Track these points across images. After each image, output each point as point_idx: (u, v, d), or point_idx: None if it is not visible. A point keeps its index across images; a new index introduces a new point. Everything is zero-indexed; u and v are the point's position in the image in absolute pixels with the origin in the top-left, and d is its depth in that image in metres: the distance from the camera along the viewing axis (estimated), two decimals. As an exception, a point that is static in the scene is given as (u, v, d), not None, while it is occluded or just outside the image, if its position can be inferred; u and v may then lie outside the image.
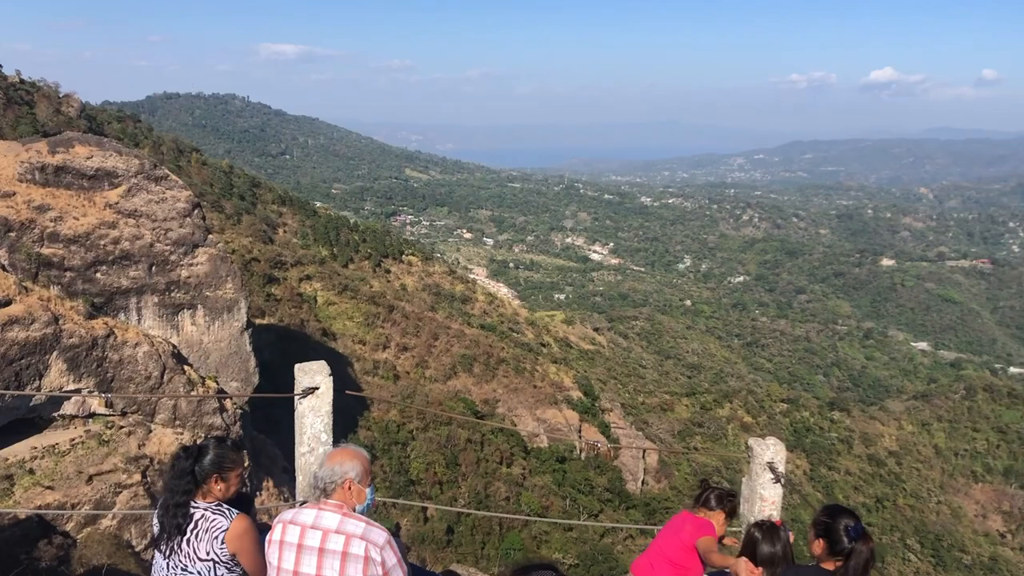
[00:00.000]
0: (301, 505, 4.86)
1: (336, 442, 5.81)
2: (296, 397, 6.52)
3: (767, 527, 5.59)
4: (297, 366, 6.67)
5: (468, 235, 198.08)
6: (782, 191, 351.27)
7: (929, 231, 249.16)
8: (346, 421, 52.55)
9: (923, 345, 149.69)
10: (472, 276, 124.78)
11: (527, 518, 48.59)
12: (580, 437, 59.33)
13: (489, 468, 55.63)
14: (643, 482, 60.79)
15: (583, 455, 58.62)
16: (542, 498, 54.81)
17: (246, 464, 38.66)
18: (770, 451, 7.46)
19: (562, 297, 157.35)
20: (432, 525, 48.38)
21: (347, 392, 7.78)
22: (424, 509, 48.02)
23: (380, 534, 4.54)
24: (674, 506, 54.46)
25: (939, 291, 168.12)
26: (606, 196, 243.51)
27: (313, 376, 6.55)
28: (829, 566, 5.19)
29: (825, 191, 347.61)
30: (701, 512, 6.48)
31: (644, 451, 58.02)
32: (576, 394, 68.44)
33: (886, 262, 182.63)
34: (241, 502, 5.11)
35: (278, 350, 55.80)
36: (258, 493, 42.44)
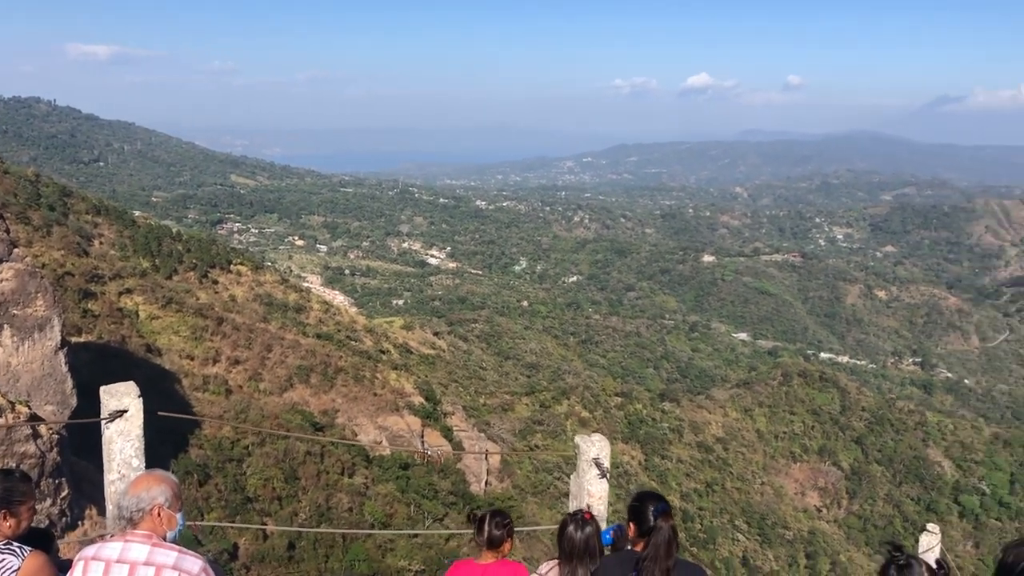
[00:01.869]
0: (106, 538, 4.43)
1: (151, 467, 5.34)
2: (103, 422, 5.97)
3: (578, 517, 5.65)
4: (103, 388, 6.10)
5: (300, 242, 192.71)
6: (610, 192, 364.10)
7: (745, 228, 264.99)
8: (176, 440, 49.81)
9: (743, 335, 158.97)
10: (306, 284, 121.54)
11: (368, 532, 47.77)
12: (423, 444, 59.01)
13: (331, 480, 54.25)
14: (486, 483, 61.17)
15: (424, 461, 58.34)
16: (386, 506, 54.03)
17: (57, 494, 35.85)
18: (595, 447, 7.54)
19: (400, 303, 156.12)
20: (272, 542, 46.63)
21: (160, 413, 7.22)
22: (264, 527, 46.20)
23: (194, 562, 4.17)
24: (517, 504, 55.08)
25: (756, 284, 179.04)
26: (441, 200, 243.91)
27: (121, 398, 6.00)
28: (639, 547, 5.32)
29: (650, 192, 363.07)
30: (490, 555, 6.04)
31: (487, 452, 58.33)
32: (418, 399, 67.99)
33: (707, 258, 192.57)
34: (39, 538, 4.65)
35: (99, 369, 52.12)
36: (80, 523, 39.48)
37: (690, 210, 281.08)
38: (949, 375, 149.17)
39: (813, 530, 65.28)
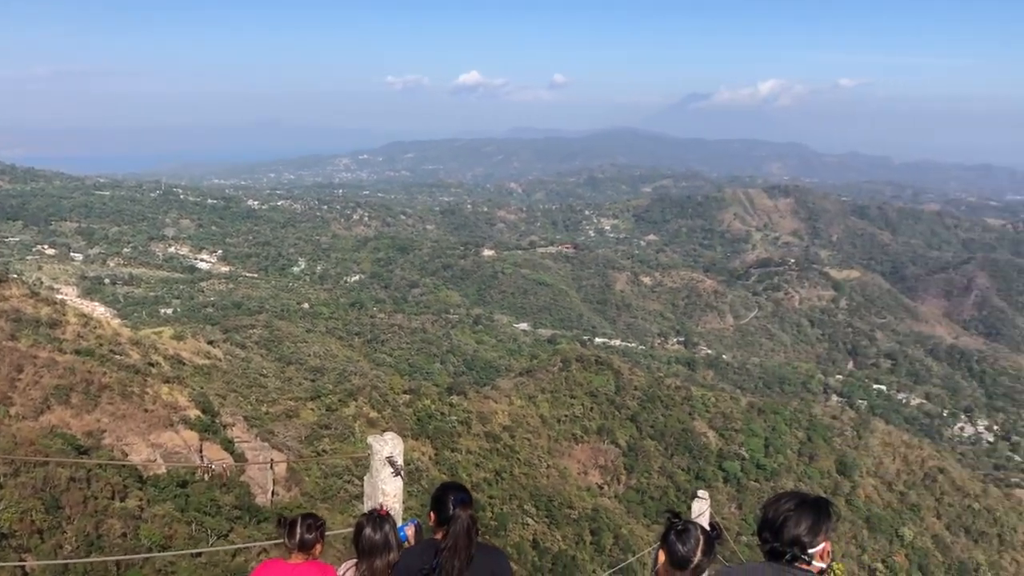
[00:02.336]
0: None
1: None
2: None
3: (373, 516, 5.61)
4: None
5: (51, 251, 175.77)
6: (388, 190, 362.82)
7: (521, 222, 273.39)
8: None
9: (524, 325, 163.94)
10: (60, 296, 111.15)
11: (145, 556, 44.64)
12: (203, 458, 55.90)
13: (100, 505, 49.95)
14: (273, 493, 58.98)
15: (206, 475, 55.32)
16: (164, 527, 50.56)
17: None
18: (388, 446, 7.49)
19: (170, 311, 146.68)
20: (33, 582, 42.38)
21: None
22: (22, 564, 41.88)
23: None
24: (306, 511, 53.46)
25: (533, 276, 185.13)
26: (210, 201, 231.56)
27: None
28: (440, 536, 5.37)
29: (428, 189, 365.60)
30: (300, 557, 6.02)
31: (272, 462, 56.23)
32: (194, 413, 64.19)
33: (487, 252, 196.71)
34: None
35: None
36: None
37: (469, 206, 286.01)
38: (709, 351, 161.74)
39: (597, 507, 68.43)
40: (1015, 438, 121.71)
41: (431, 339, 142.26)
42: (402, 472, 7.49)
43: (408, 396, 79.16)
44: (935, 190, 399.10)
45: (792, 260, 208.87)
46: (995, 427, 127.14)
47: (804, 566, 4.36)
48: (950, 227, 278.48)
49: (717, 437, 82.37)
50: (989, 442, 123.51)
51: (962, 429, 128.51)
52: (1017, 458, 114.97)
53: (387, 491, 7.49)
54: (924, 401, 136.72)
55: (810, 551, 4.34)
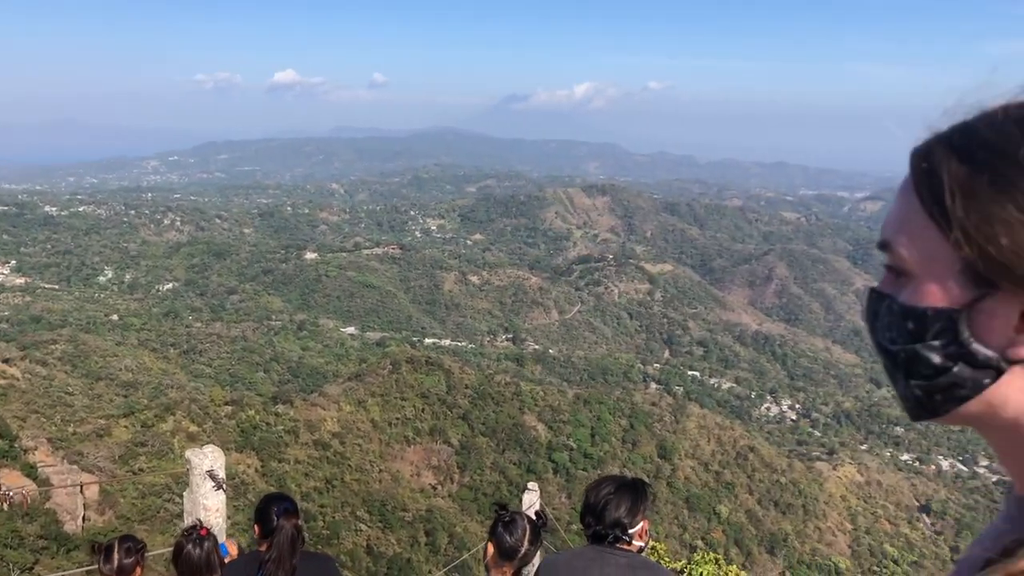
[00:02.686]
0: None
1: None
2: None
3: (193, 535, 5.40)
4: None
5: None
6: (202, 193, 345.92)
7: (344, 223, 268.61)
8: None
9: (351, 329, 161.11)
10: None
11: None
12: (1, 487, 51.31)
13: None
14: (84, 518, 55.00)
15: (4, 506, 50.86)
16: (-43, 568, 46.20)
17: None
18: (208, 459, 7.14)
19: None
20: None
21: None
22: None
23: None
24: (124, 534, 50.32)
25: (359, 278, 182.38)
26: (0, 208, 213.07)
27: None
28: (263, 548, 5.27)
29: (244, 191, 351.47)
30: None
31: (81, 485, 52.42)
32: (-12, 438, 58.93)
33: (310, 255, 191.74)
34: None
35: None
36: None
37: (289, 208, 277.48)
38: (536, 347, 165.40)
39: (431, 508, 68.42)
40: (815, 415, 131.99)
41: (253, 347, 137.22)
42: (224, 486, 7.16)
43: (230, 408, 76.03)
44: (737, 187, 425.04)
45: (610, 256, 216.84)
46: (796, 406, 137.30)
47: (625, 546, 4.53)
48: (751, 221, 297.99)
49: (546, 430, 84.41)
50: (792, 420, 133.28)
51: (768, 409, 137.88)
52: (817, 433, 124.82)
53: (209, 506, 7.15)
54: (734, 384, 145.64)
55: (630, 531, 4.53)
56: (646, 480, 4.89)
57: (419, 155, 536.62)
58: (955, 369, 0.95)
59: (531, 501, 12.72)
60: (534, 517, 4.89)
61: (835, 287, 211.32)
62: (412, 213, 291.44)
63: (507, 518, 4.74)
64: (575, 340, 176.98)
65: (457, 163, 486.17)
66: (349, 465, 71.78)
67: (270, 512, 5.30)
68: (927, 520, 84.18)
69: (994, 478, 71.63)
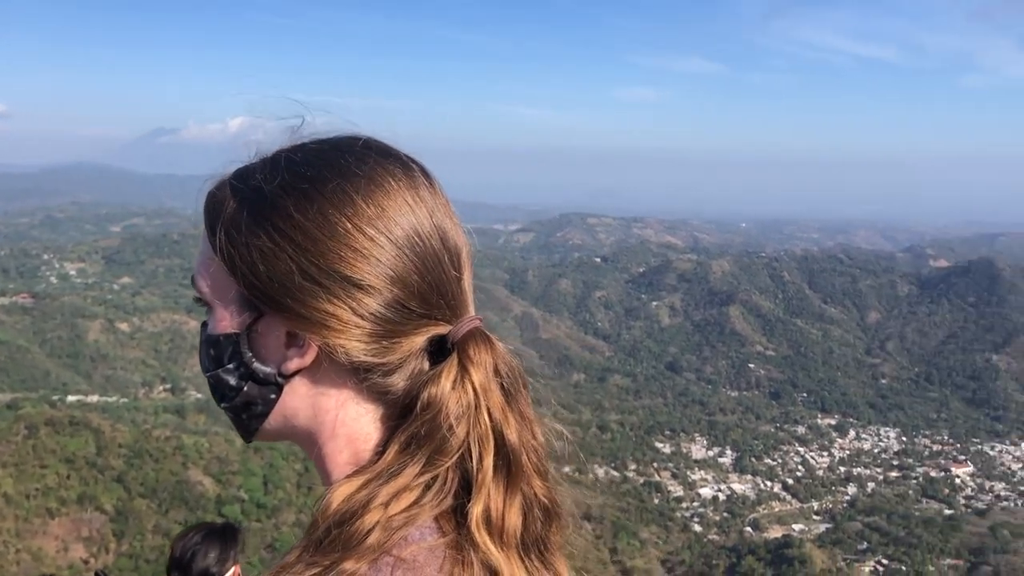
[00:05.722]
0: None
1: None
2: None
3: None
4: None
5: None
6: None
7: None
8: None
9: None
10: None
11: None
12: None
13: None
14: None
15: None
16: None
17: None
18: None
19: None
20: None
21: None
22: None
23: None
24: None
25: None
26: None
27: None
28: None
29: None
30: None
31: None
32: None
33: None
34: None
35: None
36: None
37: None
38: (199, 395, 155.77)
39: (83, 585, 61.51)
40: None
41: None
42: None
43: None
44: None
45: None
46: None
47: None
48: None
49: (214, 483, 79.86)
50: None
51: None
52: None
53: None
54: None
55: None
56: (235, 524, 4.80)
57: (53, 193, 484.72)
58: (246, 388, 1.05)
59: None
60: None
61: (496, 314, 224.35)
62: (46, 257, 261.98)
63: None
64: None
65: (99, 200, 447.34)
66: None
67: None
68: (588, 527, 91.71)
69: (642, 480, 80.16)
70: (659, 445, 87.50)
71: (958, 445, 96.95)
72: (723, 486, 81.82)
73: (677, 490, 79.58)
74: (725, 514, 76.89)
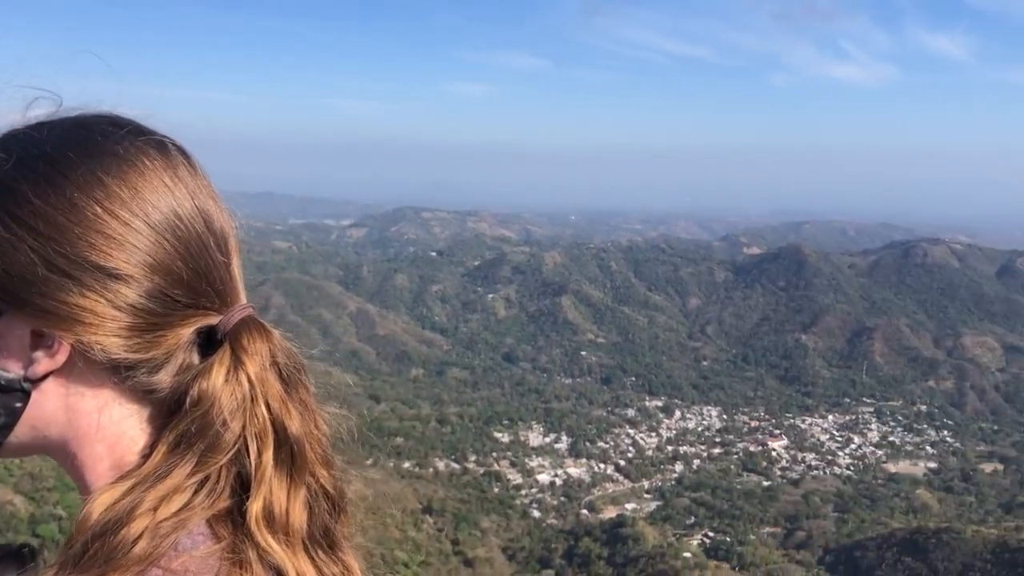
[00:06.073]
0: None
1: None
2: None
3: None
4: None
5: None
6: None
7: None
8: None
9: None
10: None
11: None
12: None
13: None
14: None
15: None
16: None
17: None
18: None
19: None
20: None
21: None
22: None
23: None
24: None
25: None
26: None
27: None
28: None
29: None
30: None
31: None
32: None
33: None
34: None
35: None
36: None
37: None
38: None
39: None
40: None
41: None
42: None
43: None
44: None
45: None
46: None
47: None
48: (244, 252, 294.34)
49: (26, 501, 73.64)
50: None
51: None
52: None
53: None
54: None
55: None
56: (31, 545, 4.48)
57: None
58: None
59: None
60: None
61: (331, 311, 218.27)
62: None
63: None
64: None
65: None
66: None
67: None
68: (430, 520, 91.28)
69: (481, 471, 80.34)
70: (498, 435, 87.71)
71: (773, 420, 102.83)
72: (559, 471, 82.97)
73: (516, 478, 79.94)
74: (562, 498, 78.11)
